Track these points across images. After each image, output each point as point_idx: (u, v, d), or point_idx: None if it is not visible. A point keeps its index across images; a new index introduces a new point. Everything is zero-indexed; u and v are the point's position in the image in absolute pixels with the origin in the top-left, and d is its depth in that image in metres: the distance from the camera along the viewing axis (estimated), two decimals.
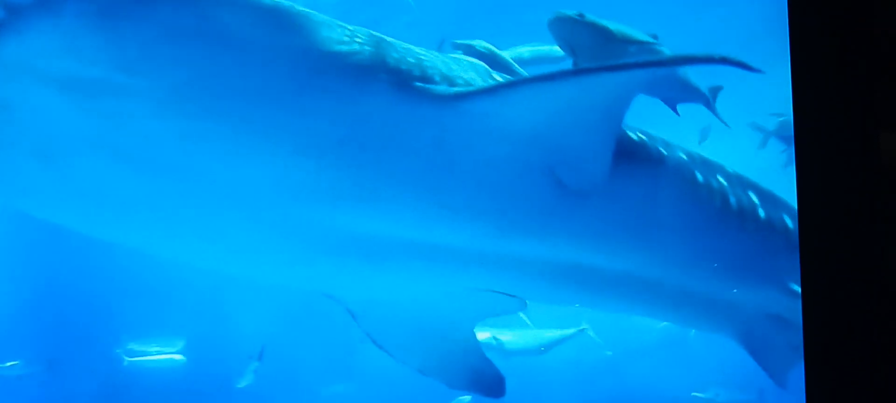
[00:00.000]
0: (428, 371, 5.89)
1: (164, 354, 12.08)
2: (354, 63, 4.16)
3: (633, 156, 4.88)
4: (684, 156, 5.19)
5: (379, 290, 5.28)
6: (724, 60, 4.29)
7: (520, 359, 10.66)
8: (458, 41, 5.86)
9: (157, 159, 4.15)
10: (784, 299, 5.46)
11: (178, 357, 12.06)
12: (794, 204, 2.76)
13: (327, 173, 4.31)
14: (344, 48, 4.15)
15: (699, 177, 5.14)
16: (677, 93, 5.90)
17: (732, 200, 5.26)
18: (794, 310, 5.40)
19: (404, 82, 4.24)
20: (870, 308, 2.61)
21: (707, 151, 5.43)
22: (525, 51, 7.81)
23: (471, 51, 5.97)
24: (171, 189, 4.27)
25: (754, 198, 5.43)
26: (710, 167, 5.33)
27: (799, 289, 2.71)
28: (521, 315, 10.72)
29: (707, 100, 6.26)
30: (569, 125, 4.49)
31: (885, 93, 2.63)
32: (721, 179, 5.28)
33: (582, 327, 11.05)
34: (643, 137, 5.08)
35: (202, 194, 4.30)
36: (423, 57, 4.44)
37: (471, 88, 4.39)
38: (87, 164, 4.11)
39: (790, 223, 5.55)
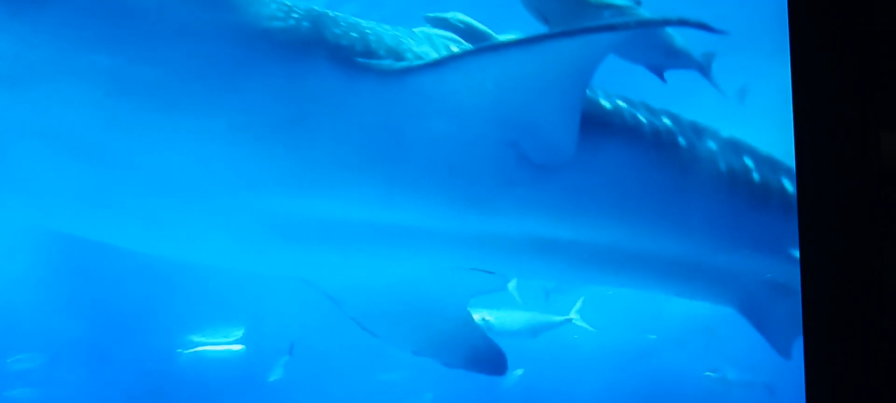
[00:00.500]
0: (423, 352, 5.80)
1: (222, 344, 11.96)
2: (290, 39, 4.03)
3: (606, 125, 4.73)
4: (668, 122, 5.02)
5: (354, 275, 5.20)
6: (682, 22, 4.23)
7: (534, 341, 10.67)
8: (431, 14, 5.62)
9: (97, 147, 4.04)
10: (783, 265, 5.32)
11: (237, 347, 11.96)
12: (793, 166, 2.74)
13: (272, 156, 4.19)
14: (279, 24, 4.02)
15: (682, 141, 4.99)
16: (663, 59, 5.68)
17: (722, 165, 5.11)
18: (794, 277, 5.35)
19: (346, 58, 4.11)
20: (870, 308, 2.62)
21: (702, 117, 5.29)
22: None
23: (445, 24, 5.74)
24: (114, 178, 4.16)
25: (748, 162, 5.25)
26: (699, 132, 5.17)
27: (798, 255, 2.72)
28: (511, 289, 10.64)
29: (700, 66, 6.06)
30: (526, 96, 4.37)
31: (885, 93, 2.63)
32: (710, 144, 5.14)
33: (569, 317, 11.05)
34: (620, 104, 4.91)
35: (148, 182, 4.20)
36: (368, 31, 4.29)
37: (417, 62, 4.24)
38: (30, 156, 4.02)
39: (788, 186, 5.41)
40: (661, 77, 5.72)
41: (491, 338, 5.75)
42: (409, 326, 5.58)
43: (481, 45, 4.30)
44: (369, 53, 4.15)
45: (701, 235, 5.09)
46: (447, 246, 4.77)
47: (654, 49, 5.64)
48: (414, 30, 4.65)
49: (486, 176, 4.50)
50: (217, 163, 4.16)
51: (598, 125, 4.64)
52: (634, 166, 4.78)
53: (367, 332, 5.56)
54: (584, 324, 11.38)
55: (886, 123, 2.62)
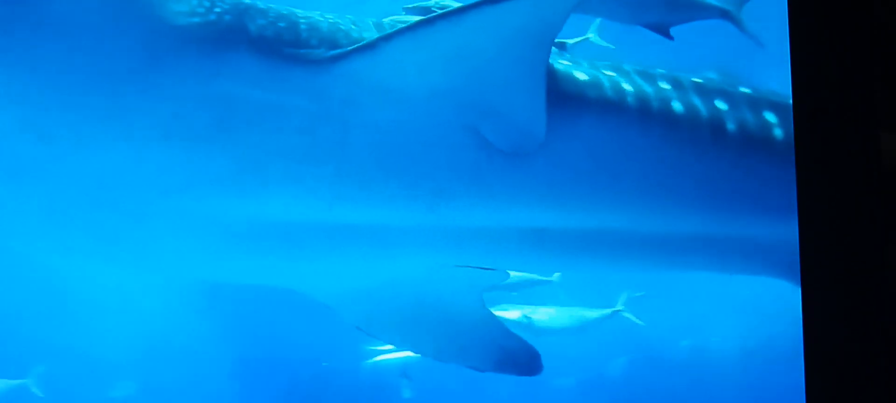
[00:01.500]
0: (446, 357, 5.49)
1: (400, 351, 12.02)
2: (211, 35, 3.84)
3: (581, 99, 4.34)
4: (665, 86, 4.61)
5: (340, 280, 4.95)
6: None
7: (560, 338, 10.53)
8: (410, 4, 5.22)
9: (30, 159, 3.87)
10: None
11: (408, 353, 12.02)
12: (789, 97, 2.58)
13: (205, 157, 3.98)
14: (198, 20, 3.83)
15: (677, 107, 4.55)
16: (666, 14, 4.98)
17: (731, 125, 4.65)
18: None
19: (271, 50, 3.91)
20: (870, 308, 2.61)
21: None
22: None
23: (425, 14, 5.42)
24: (49, 190, 4.00)
25: (770, 117, 4.79)
26: (700, 91, 4.71)
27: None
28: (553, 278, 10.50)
29: (724, 12, 5.17)
30: (477, 74, 4.02)
31: (885, 93, 2.62)
32: (717, 104, 4.69)
33: (617, 308, 10.89)
34: (598, 73, 4.50)
35: (83, 194, 4.03)
36: (301, 20, 4.06)
37: (346, 48, 3.97)
38: None
39: (776, 125, 4.79)
40: (667, 34, 5.17)
41: (521, 337, 5.45)
42: (423, 330, 5.28)
43: (413, 23, 3.94)
44: (299, 43, 3.92)
45: (708, 205, 4.66)
46: (427, 243, 4.50)
47: (654, 3, 5.03)
48: (383, 20, 4.39)
49: (450, 166, 4.21)
50: (148, 168, 3.95)
51: (571, 100, 4.27)
52: (620, 141, 4.39)
53: (378, 340, 5.39)
54: (632, 317, 11.23)
55: (886, 123, 2.61)
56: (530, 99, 4.09)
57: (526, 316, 9.85)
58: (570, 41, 6.67)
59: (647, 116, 4.44)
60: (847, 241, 2.64)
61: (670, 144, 4.49)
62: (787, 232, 4.70)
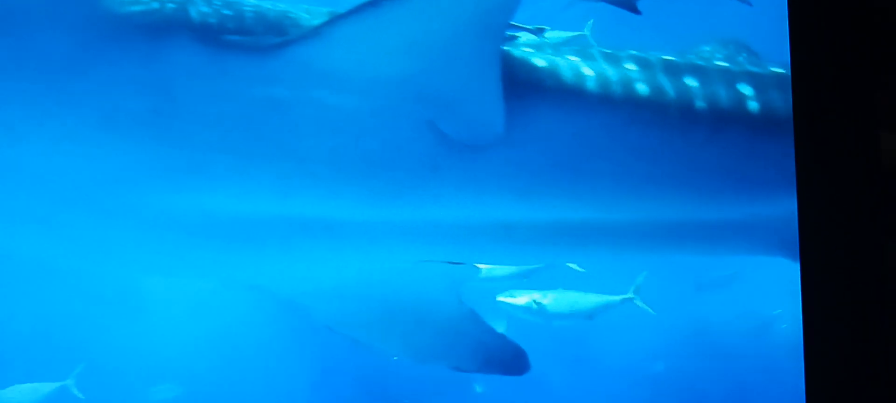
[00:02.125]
0: (427, 358, 5.25)
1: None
2: (152, 23, 3.73)
3: (538, 88, 4.17)
4: (631, 67, 4.44)
5: (305, 278, 4.75)
6: None
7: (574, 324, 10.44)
8: None
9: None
10: (779, 193, 4.59)
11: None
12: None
13: (154, 150, 3.88)
14: (139, 8, 3.72)
15: (641, 89, 4.34)
16: None
17: (700, 103, 4.42)
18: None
19: (215, 38, 3.79)
20: (870, 308, 2.62)
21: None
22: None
23: None
24: (6, 184, 3.92)
25: (744, 89, 4.56)
26: (668, 69, 4.50)
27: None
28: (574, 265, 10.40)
29: None
30: (430, 62, 3.88)
31: (885, 93, 2.62)
32: (686, 81, 4.48)
33: (628, 295, 10.73)
34: (558, 59, 4.33)
35: (29, 186, 3.94)
36: (246, 8, 3.94)
37: (290, 35, 3.84)
38: None
39: (752, 98, 4.57)
40: (635, 8, 5.00)
41: (504, 335, 5.22)
42: (399, 330, 5.08)
43: (359, 5, 3.76)
44: (244, 31, 3.80)
45: (680, 187, 4.46)
46: (390, 238, 4.36)
47: None
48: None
49: (410, 159, 4.08)
50: (91, 160, 3.84)
51: (530, 88, 4.12)
52: (582, 128, 4.23)
53: (355, 342, 5.11)
54: (644, 305, 11.11)
55: (886, 123, 2.61)
56: (486, 89, 3.97)
57: (535, 302, 9.71)
58: (566, 34, 6.64)
59: (609, 100, 4.30)
60: (847, 241, 2.64)
61: (635, 128, 4.33)
62: (768, 207, 4.64)
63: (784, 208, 4.55)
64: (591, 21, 6.96)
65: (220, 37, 3.79)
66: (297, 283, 4.79)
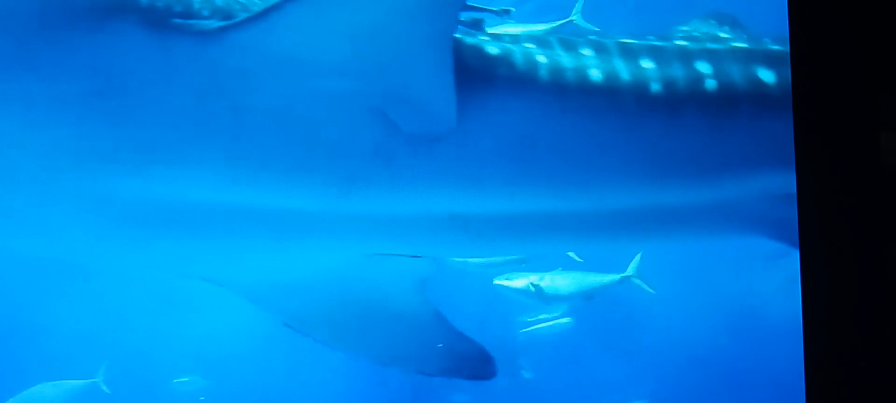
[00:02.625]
0: (390, 361, 5.10)
1: (551, 320, 11.92)
2: (96, 4, 3.67)
3: (489, 77, 4.10)
4: (587, 52, 4.35)
5: (256, 271, 4.64)
6: None
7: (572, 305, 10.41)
8: None
9: None
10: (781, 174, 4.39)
11: (564, 320, 11.88)
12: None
13: (98, 135, 3.83)
14: None
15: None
16: None
17: (655, 86, 4.31)
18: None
19: (161, 21, 3.73)
20: (870, 308, 2.63)
21: None
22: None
23: None
24: None
25: (702, 68, 4.42)
26: (626, 52, 4.41)
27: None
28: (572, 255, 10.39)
29: None
30: (378, 49, 3.83)
31: (886, 93, 2.61)
32: (643, 63, 4.40)
33: (627, 274, 10.66)
34: (512, 46, 4.26)
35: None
36: None
37: (237, 19, 3.77)
38: None
39: (710, 76, 4.42)
40: None
41: (472, 339, 5.00)
42: (360, 330, 4.94)
43: None
44: (190, 14, 3.75)
45: (637, 174, 4.39)
46: (342, 230, 4.28)
47: None
48: None
49: (361, 148, 4.02)
50: (36, 146, 3.81)
51: (482, 77, 4.06)
52: (534, 117, 4.16)
53: (315, 341, 4.94)
54: (642, 284, 11.05)
55: (886, 123, 2.61)
56: (437, 79, 3.91)
57: (533, 284, 9.65)
58: (554, 24, 6.56)
59: (562, 88, 4.20)
60: (847, 241, 2.64)
61: (589, 115, 4.23)
62: (735, 187, 4.49)
63: (752, 186, 4.46)
64: (581, 2, 6.88)
65: (166, 20, 3.73)
66: (250, 276, 4.68)
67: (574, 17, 6.68)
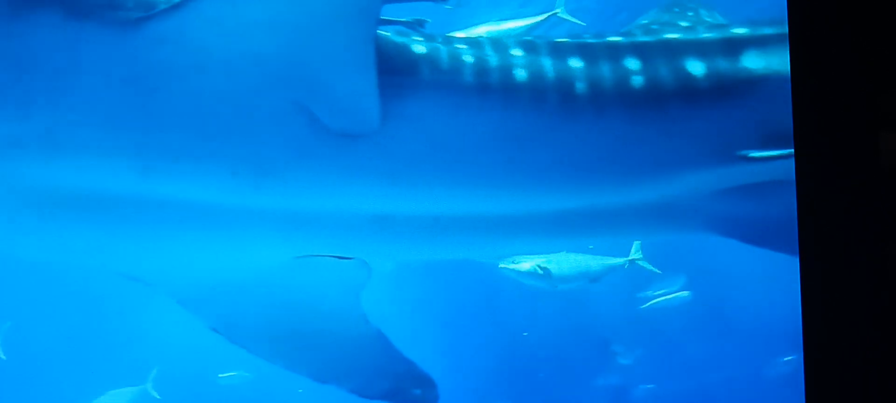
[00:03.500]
0: (326, 378, 4.83)
1: (670, 294, 11.96)
2: None
3: (413, 75, 4.04)
4: (517, 53, 4.27)
5: (176, 269, 4.49)
6: None
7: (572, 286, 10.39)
8: None
9: None
10: (724, 168, 4.33)
11: (683, 293, 11.88)
12: None
13: (16, 124, 3.80)
14: None
15: (519, 75, 4.17)
16: None
17: (581, 86, 4.21)
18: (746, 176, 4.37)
19: (84, 12, 3.68)
20: (870, 308, 2.63)
21: None
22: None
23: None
24: None
25: (631, 65, 4.31)
26: (555, 51, 4.31)
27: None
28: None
29: None
30: (296, 43, 3.77)
31: (885, 93, 2.60)
32: (570, 63, 4.31)
33: (633, 257, 10.67)
34: (440, 44, 4.18)
35: None
36: None
37: (156, 9, 3.72)
38: None
39: (637, 73, 4.32)
40: None
41: (413, 362, 4.81)
42: (293, 341, 4.74)
43: None
44: (113, 5, 3.69)
45: (562, 176, 4.31)
46: (259, 227, 4.19)
47: None
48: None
49: (276, 142, 3.94)
50: None
51: (406, 75, 4.01)
52: (458, 117, 4.09)
53: (245, 350, 4.77)
54: (647, 265, 11.08)
55: (886, 123, 2.60)
56: (358, 75, 3.85)
57: (540, 266, 9.64)
58: (538, 18, 6.51)
59: (486, 89, 4.14)
60: (847, 241, 2.64)
61: (512, 114, 4.16)
62: (661, 187, 4.42)
63: (688, 182, 4.39)
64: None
65: (89, 11, 3.71)
66: (172, 275, 4.57)
67: (558, 11, 6.65)
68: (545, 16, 6.56)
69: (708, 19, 4.56)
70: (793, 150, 3.53)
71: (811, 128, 2.66)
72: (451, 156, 4.13)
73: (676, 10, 4.64)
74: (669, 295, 11.57)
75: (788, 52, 2.66)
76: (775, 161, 4.11)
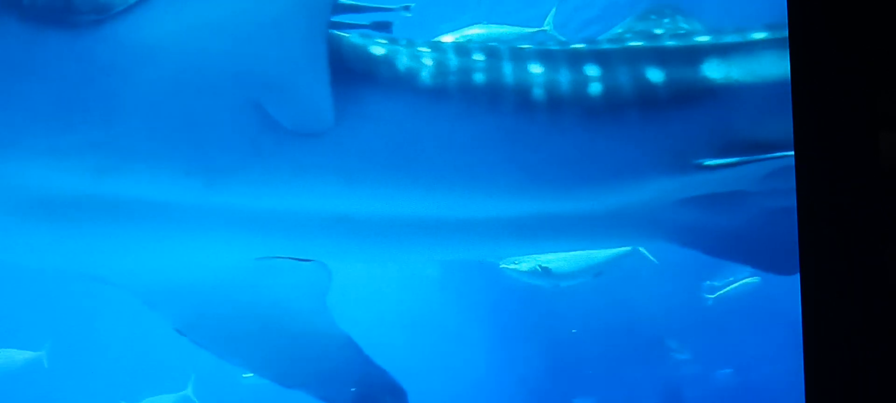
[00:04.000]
0: (294, 383, 4.81)
1: (741, 281, 11.98)
2: None
3: (371, 77, 4.01)
4: (478, 57, 4.23)
5: (136, 268, 4.46)
6: None
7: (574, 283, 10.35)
8: None
9: None
10: (685, 177, 4.29)
11: (751, 279, 11.90)
12: None
13: None
14: None
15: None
16: None
17: (538, 92, 4.17)
18: (705, 186, 4.33)
19: (40, 15, 3.69)
20: (870, 308, 2.62)
21: None
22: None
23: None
24: None
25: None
26: (516, 57, 4.27)
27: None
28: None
29: None
30: (249, 43, 3.77)
31: (885, 93, 2.60)
32: (530, 67, 4.25)
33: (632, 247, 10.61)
34: (400, 47, 4.16)
35: None
36: None
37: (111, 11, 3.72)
38: None
39: (596, 79, 4.26)
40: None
41: (385, 369, 4.74)
42: (257, 343, 4.69)
43: None
44: (70, 9, 3.70)
45: (518, 181, 4.26)
46: (213, 226, 4.15)
47: None
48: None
49: (228, 140, 3.94)
50: None
51: (363, 76, 3.99)
52: (414, 119, 4.08)
53: (211, 353, 4.70)
54: (648, 255, 11.03)
55: (886, 123, 2.59)
56: (311, 74, 3.85)
57: (540, 265, 9.59)
58: (527, 30, 6.54)
59: (443, 92, 4.12)
60: (847, 241, 2.64)
61: (469, 119, 4.15)
62: (618, 195, 4.40)
63: (647, 191, 4.36)
64: (554, 9, 6.86)
65: (46, 14, 3.71)
66: (133, 274, 4.54)
67: (546, 27, 6.70)
68: (534, 30, 6.57)
69: (685, 27, 4.55)
70: (748, 159, 3.53)
71: (811, 129, 2.65)
72: (406, 156, 4.12)
73: (653, 17, 4.64)
74: (738, 283, 11.58)
75: (788, 52, 2.66)
76: (735, 171, 4.10)
